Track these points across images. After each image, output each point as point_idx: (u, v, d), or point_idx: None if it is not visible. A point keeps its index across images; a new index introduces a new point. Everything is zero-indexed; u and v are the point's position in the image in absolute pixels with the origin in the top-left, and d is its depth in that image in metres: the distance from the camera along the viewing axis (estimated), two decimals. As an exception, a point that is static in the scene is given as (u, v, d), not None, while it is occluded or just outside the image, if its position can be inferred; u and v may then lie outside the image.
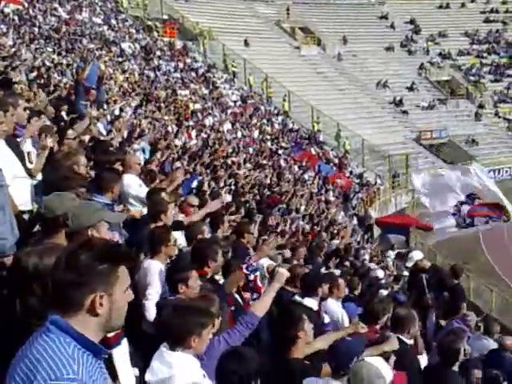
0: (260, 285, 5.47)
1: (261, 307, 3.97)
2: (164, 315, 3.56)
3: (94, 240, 2.55)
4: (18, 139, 5.47)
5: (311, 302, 5.51)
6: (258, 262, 5.90)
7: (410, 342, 5.36)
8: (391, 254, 18.09)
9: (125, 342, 3.09)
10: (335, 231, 17.85)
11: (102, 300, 2.05)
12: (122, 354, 2.97)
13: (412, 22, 49.38)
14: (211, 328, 3.39)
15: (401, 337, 5.24)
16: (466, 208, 26.98)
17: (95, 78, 11.26)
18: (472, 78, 45.53)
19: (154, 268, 4.68)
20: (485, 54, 47.87)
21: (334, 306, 6.34)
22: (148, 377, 3.24)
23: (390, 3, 51.48)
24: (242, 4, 44.75)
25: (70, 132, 7.08)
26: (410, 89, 42.59)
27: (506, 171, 36.94)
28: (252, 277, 5.53)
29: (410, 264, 8.79)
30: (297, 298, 5.60)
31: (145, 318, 4.45)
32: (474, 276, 18.27)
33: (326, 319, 5.61)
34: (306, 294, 5.64)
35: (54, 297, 2.06)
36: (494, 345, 7.29)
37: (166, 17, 36.94)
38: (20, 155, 5.06)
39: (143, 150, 11.96)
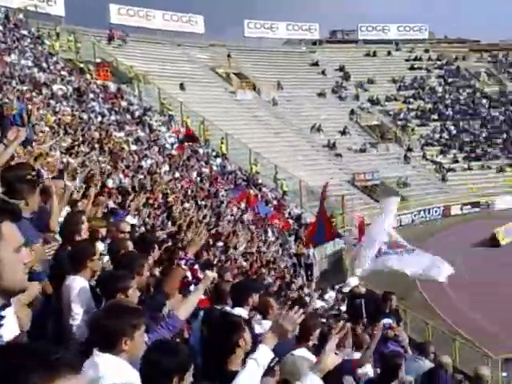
0: (201, 275, 5.31)
1: (185, 309, 3.81)
2: (94, 317, 3.34)
3: None
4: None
5: (242, 312, 5.26)
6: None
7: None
8: (331, 292, 18.33)
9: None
10: (274, 269, 18.02)
11: None
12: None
13: (341, 69, 51.41)
14: (143, 331, 3.18)
15: None
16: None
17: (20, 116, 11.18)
18: (400, 122, 47.53)
19: (78, 284, 4.38)
20: (411, 100, 50.25)
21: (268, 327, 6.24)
22: None
23: (320, 51, 53.69)
24: (177, 49, 45.60)
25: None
26: (343, 133, 43.97)
27: (436, 211, 38.41)
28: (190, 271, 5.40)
29: (346, 290, 8.96)
30: (227, 308, 5.45)
31: (70, 336, 4.17)
32: (409, 311, 18.60)
33: (258, 329, 5.34)
34: (235, 303, 5.47)
35: None
36: (429, 365, 7.45)
37: (98, 60, 36.76)
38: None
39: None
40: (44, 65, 30.54)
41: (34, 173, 5.13)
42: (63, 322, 4.27)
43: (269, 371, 3.39)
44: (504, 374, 13.02)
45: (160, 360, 2.88)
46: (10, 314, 2.29)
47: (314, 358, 3.97)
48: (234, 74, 45.38)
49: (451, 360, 7.91)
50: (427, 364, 7.48)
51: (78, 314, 4.23)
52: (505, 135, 48.68)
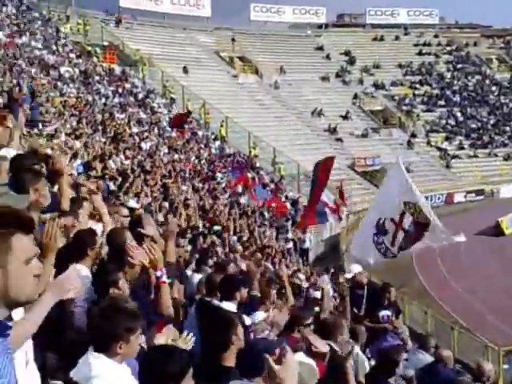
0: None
1: None
2: (91, 315, 3.28)
3: None
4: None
5: (230, 306, 5.26)
6: None
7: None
8: (326, 277, 18.02)
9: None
10: (269, 253, 17.71)
11: None
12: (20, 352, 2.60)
13: (347, 53, 50.85)
14: (140, 333, 3.08)
15: (331, 343, 5.05)
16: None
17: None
18: (405, 107, 47.01)
19: (79, 272, 4.26)
20: (417, 85, 49.64)
21: (262, 317, 6.07)
22: (72, 373, 2.93)
23: (325, 35, 53.12)
24: (182, 33, 45.36)
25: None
26: (345, 117, 43.55)
27: (438, 198, 38.04)
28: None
29: (349, 275, 8.65)
30: (214, 302, 5.39)
31: (71, 325, 4.07)
32: (408, 299, 18.34)
33: (247, 321, 5.34)
34: (224, 297, 5.42)
35: None
36: (430, 359, 7.20)
37: (106, 43, 37.17)
38: None
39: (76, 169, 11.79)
40: (53, 47, 30.83)
41: (37, 163, 5.21)
42: (64, 308, 4.16)
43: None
44: (505, 367, 12.71)
45: (157, 367, 2.81)
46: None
47: (312, 362, 3.96)
48: (238, 57, 45.12)
49: (451, 353, 7.66)
50: (427, 358, 7.25)
51: (79, 301, 4.17)
52: (513, 123, 48.12)
